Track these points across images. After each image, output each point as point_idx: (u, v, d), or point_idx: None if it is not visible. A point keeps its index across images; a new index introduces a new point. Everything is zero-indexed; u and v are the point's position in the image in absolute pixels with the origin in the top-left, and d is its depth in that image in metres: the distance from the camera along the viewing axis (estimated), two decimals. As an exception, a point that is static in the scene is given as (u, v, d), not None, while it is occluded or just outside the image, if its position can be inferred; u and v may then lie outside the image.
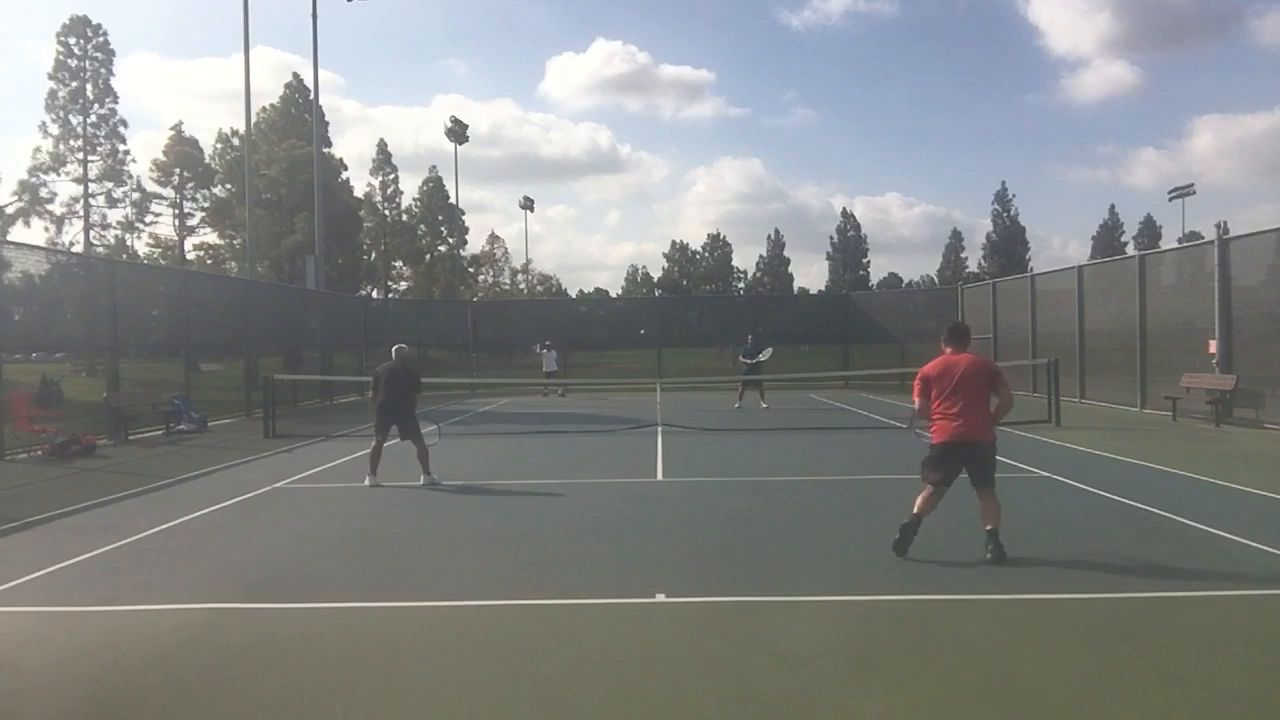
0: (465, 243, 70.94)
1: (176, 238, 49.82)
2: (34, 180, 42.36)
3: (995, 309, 25.98)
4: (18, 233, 41.66)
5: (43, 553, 6.87)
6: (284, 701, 4.02)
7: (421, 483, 9.89)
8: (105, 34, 44.21)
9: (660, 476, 10.63)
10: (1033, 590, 5.62)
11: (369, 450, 10.28)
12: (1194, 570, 6.07)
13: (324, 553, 6.90)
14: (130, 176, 45.28)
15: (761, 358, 20.82)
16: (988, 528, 6.28)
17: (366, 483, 9.90)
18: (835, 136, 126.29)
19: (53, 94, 43.07)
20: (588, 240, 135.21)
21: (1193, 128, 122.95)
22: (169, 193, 48.83)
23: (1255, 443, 12.87)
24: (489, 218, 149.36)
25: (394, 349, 10.59)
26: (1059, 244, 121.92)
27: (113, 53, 44.46)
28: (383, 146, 65.75)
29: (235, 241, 49.53)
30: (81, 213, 43.30)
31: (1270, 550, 6.45)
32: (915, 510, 6.39)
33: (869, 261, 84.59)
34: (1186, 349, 16.35)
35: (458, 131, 59.97)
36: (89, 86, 43.67)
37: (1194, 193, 63.60)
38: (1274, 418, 14.14)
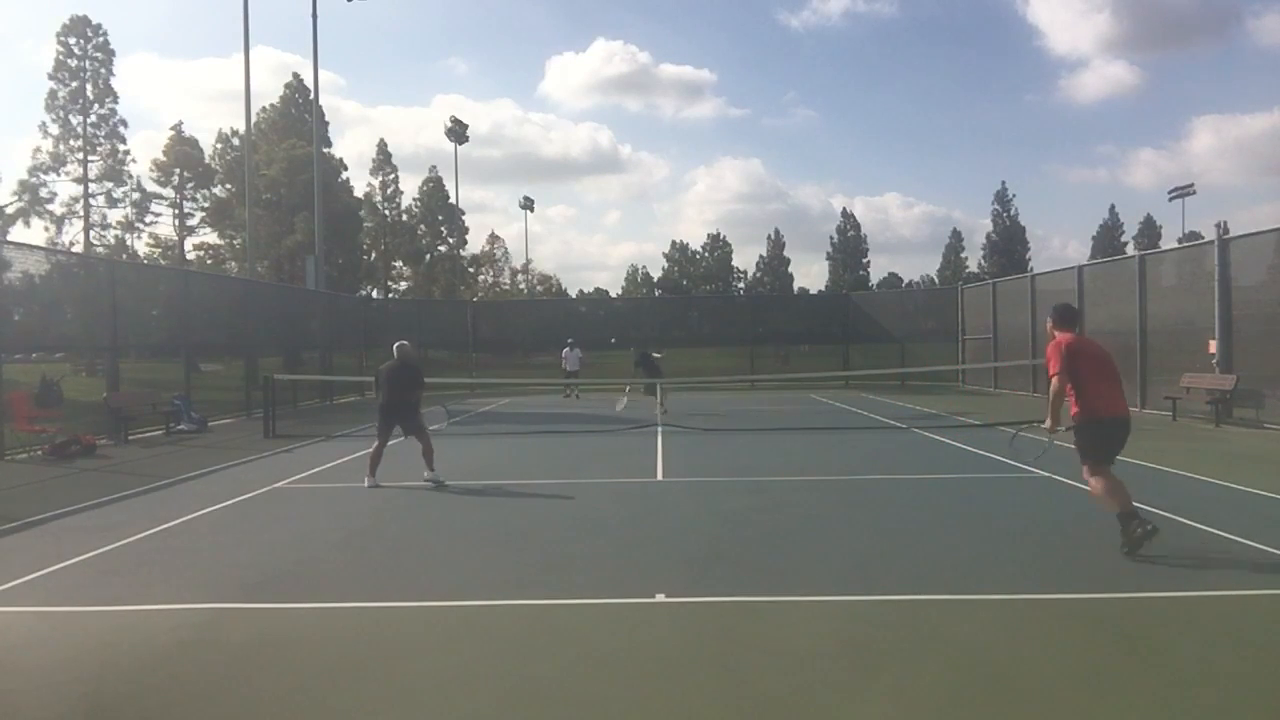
0: (465, 243, 70.98)
1: (176, 238, 49.86)
2: (34, 180, 42.40)
3: (995, 309, 25.98)
4: (18, 233, 41.72)
5: (43, 553, 6.87)
6: (284, 701, 4.02)
7: (425, 478, 9.87)
8: (105, 34, 44.24)
9: (660, 476, 10.63)
10: (1033, 590, 5.61)
11: (370, 451, 10.24)
12: (1194, 570, 6.07)
13: (324, 553, 6.90)
14: (130, 176, 45.34)
15: (656, 355, 21.19)
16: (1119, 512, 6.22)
17: (365, 484, 9.88)
18: (835, 136, 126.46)
19: (53, 94, 43.10)
20: (588, 240, 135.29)
21: (1192, 128, 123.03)
22: (169, 193, 48.88)
23: (1255, 443, 12.87)
24: (489, 218, 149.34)
25: (395, 346, 10.43)
26: (1059, 244, 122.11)
27: (113, 53, 44.50)
28: (383, 146, 65.77)
29: (235, 241, 49.54)
30: (81, 213, 43.33)
31: (1270, 550, 6.45)
32: (1117, 503, 6.26)
33: (869, 261, 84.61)
34: (1186, 349, 16.35)
35: (458, 131, 59.97)
36: (89, 86, 43.67)
37: (1194, 193, 63.73)
38: (1274, 418, 14.14)
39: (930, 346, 29.61)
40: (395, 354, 10.34)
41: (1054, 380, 6.37)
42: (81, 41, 43.68)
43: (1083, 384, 6.37)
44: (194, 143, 50.26)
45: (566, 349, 26.16)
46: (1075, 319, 6.79)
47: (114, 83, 44.55)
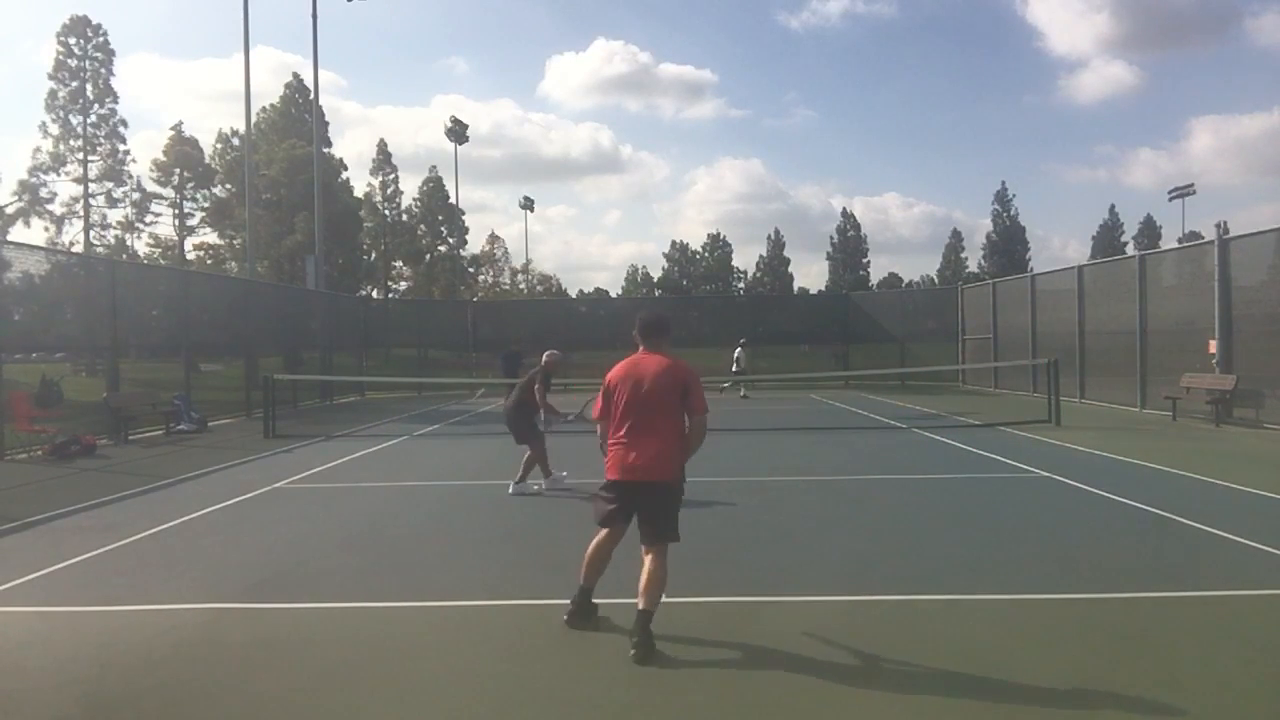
0: (465, 243, 71.04)
1: (176, 238, 49.88)
2: (34, 180, 42.47)
3: (995, 309, 25.99)
4: (18, 233, 41.77)
5: (43, 553, 6.87)
6: (284, 701, 4.02)
7: (510, 490, 9.25)
8: (105, 34, 44.34)
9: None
10: (1033, 590, 5.61)
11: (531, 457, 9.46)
12: (1194, 570, 6.07)
13: (324, 553, 6.90)
14: (130, 176, 45.43)
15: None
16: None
17: (540, 486, 9.29)
18: (835, 136, 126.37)
19: (53, 94, 43.14)
20: (588, 240, 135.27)
21: (1191, 128, 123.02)
22: (169, 193, 48.90)
23: (1255, 443, 12.87)
24: (489, 218, 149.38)
25: (545, 355, 9.84)
26: (1059, 244, 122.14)
27: (113, 53, 44.61)
28: (383, 146, 65.87)
29: (235, 241, 49.55)
30: (81, 213, 43.39)
31: (1270, 550, 6.44)
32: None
33: (869, 261, 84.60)
34: (1186, 349, 16.35)
35: (458, 131, 59.92)
36: (89, 86, 43.71)
37: (1194, 193, 63.64)
38: (1274, 418, 14.14)
39: (930, 346, 29.62)
40: (543, 361, 9.78)
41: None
42: (81, 41, 43.72)
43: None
44: (194, 143, 50.32)
45: (739, 349, 25.13)
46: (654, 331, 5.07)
47: (114, 83, 44.75)
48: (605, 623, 5.05)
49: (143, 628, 5.07)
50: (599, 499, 4.95)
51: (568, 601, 5.02)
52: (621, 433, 4.78)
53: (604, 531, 4.94)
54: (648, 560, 4.74)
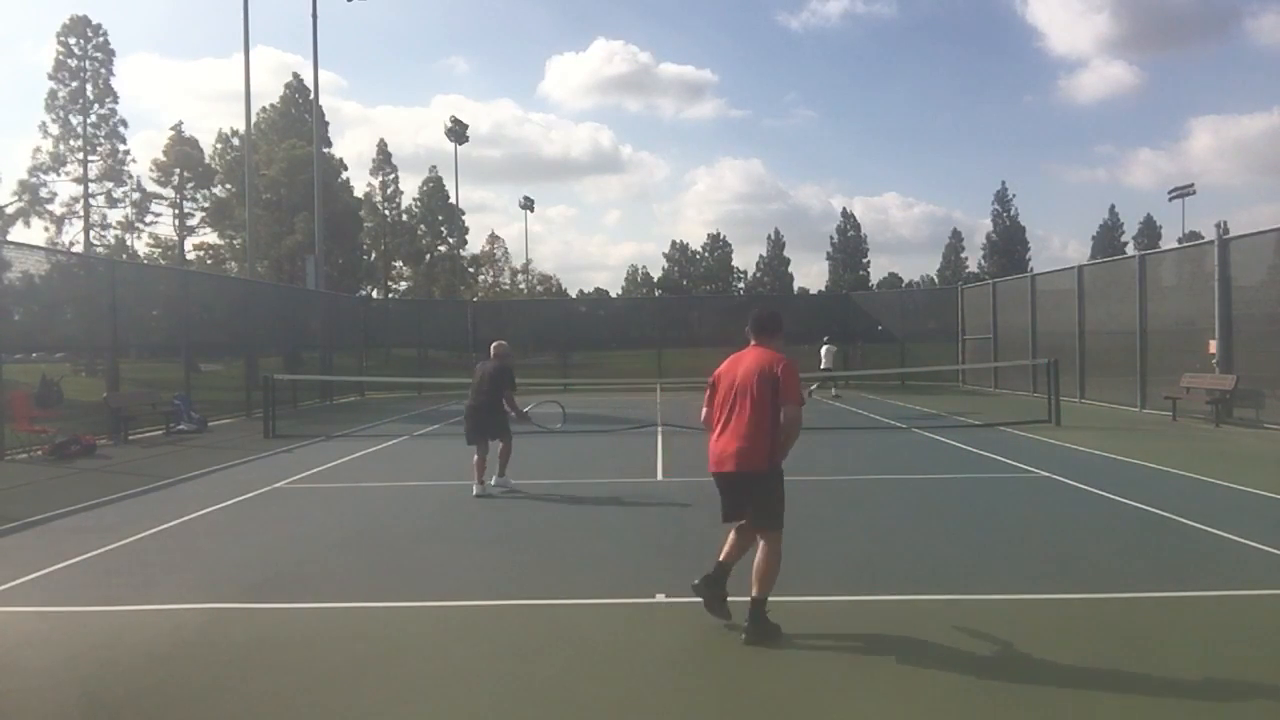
0: (465, 243, 71.03)
1: (176, 238, 49.88)
2: (34, 180, 42.44)
3: (995, 309, 25.98)
4: (18, 233, 41.74)
5: (42, 553, 6.87)
6: (284, 701, 4.02)
7: (493, 483, 9.36)
8: (105, 34, 44.31)
9: (660, 477, 10.63)
10: (1033, 590, 5.61)
11: (474, 462, 9.37)
12: (1194, 570, 6.07)
13: (324, 553, 6.90)
14: (130, 176, 45.40)
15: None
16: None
17: (474, 491, 9.18)
18: (835, 136, 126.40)
19: (53, 94, 43.13)
20: (588, 240, 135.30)
21: (1190, 128, 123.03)
22: (169, 193, 48.91)
23: (1255, 443, 12.87)
24: (489, 218, 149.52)
25: (493, 345, 9.91)
26: (1059, 244, 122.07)
27: (113, 53, 44.58)
28: (383, 146, 65.84)
29: (235, 241, 49.55)
30: (81, 213, 43.37)
31: (1270, 550, 6.44)
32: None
33: (869, 261, 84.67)
34: (1186, 349, 16.34)
35: (458, 131, 59.96)
36: (89, 86, 43.70)
37: (1194, 193, 63.66)
38: (1274, 418, 14.14)
39: (930, 346, 29.61)
40: (492, 353, 9.80)
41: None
42: (81, 41, 43.70)
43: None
44: (194, 143, 50.32)
45: (825, 346, 24.41)
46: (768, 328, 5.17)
47: (114, 83, 44.70)
48: (603, 623, 5.05)
49: (143, 628, 5.07)
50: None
51: (568, 601, 5.02)
52: (718, 425, 4.95)
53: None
54: (758, 548, 4.86)
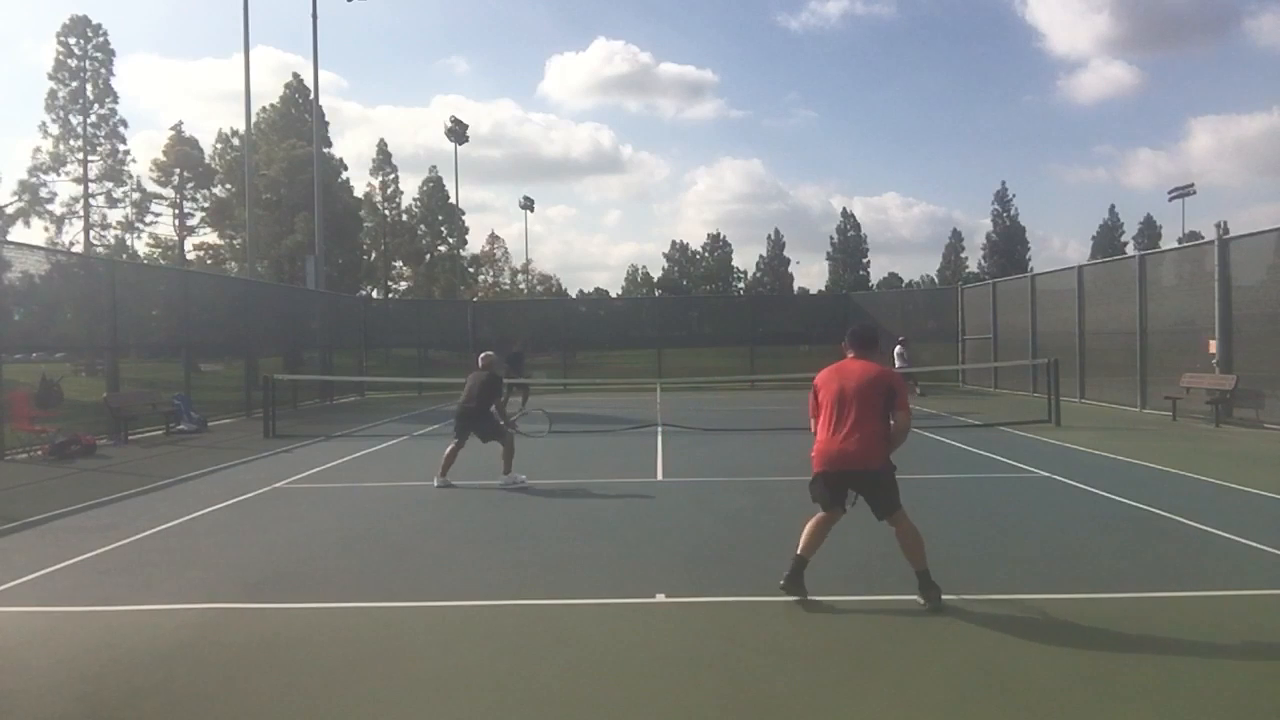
0: (465, 243, 71.06)
1: (176, 238, 49.93)
2: (34, 180, 42.48)
3: (995, 309, 25.97)
4: (18, 233, 41.78)
5: (43, 553, 6.87)
6: (284, 701, 4.02)
7: (499, 483, 9.74)
8: (105, 34, 44.36)
9: (660, 476, 10.63)
10: (1033, 590, 5.61)
11: (446, 451, 10.11)
12: (1194, 570, 6.07)
13: (324, 553, 6.89)
14: (130, 176, 45.44)
15: None
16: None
17: (435, 483, 9.79)
18: (835, 137, 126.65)
19: (53, 94, 43.15)
20: (588, 240, 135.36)
21: (1190, 128, 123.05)
22: (169, 193, 48.98)
23: (1255, 443, 12.87)
24: (489, 218, 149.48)
25: (481, 357, 10.65)
26: (1059, 244, 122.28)
27: (113, 53, 44.63)
28: (383, 146, 65.87)
29: (235, 241, 49.57)
30: (81, 213, 43.42)
31: (1270, 550, 6.44)
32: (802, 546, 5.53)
33: (869, 261, 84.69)
34: (1186, 349, 16.35)
35: (458, 131, 59.88)
36: (89, 86, 43.73)
37: (1194, 193, 63.72)
38: (1274, 418, 14.14)
39: (930, 346, 29.61)
40: (480, 364, 10.49)
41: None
42: (81, 41, 43.73)
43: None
44: (194, 143, 50.36)
45: (899, 345, 23.52)
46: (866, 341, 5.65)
47: (114, 83, 44.77)
48: (603, 623, 5.05)
49: (143, 627, 5.07)
50: (813, 485, 5.56)
51: (568, 601, 5.02)
52: (829, 428, 5.40)
53: (823, 514, 5.52)
54: (895, 532, 5.36)
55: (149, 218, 47.48)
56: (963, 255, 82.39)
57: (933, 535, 7.22)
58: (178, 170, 48.74)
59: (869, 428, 5.28)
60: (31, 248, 15.65)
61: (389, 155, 65.54)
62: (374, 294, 59.04)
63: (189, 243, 50.81)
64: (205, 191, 50.47)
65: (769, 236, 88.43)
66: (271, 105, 52.73)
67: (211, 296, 21.56)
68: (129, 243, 47.00)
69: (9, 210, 42.10)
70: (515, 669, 4.36)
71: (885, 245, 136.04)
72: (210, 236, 51.92)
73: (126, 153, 45.06)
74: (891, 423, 5.35)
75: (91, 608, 5.49)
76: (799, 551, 5.42)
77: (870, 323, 5.25)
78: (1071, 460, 11.26)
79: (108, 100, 44.23)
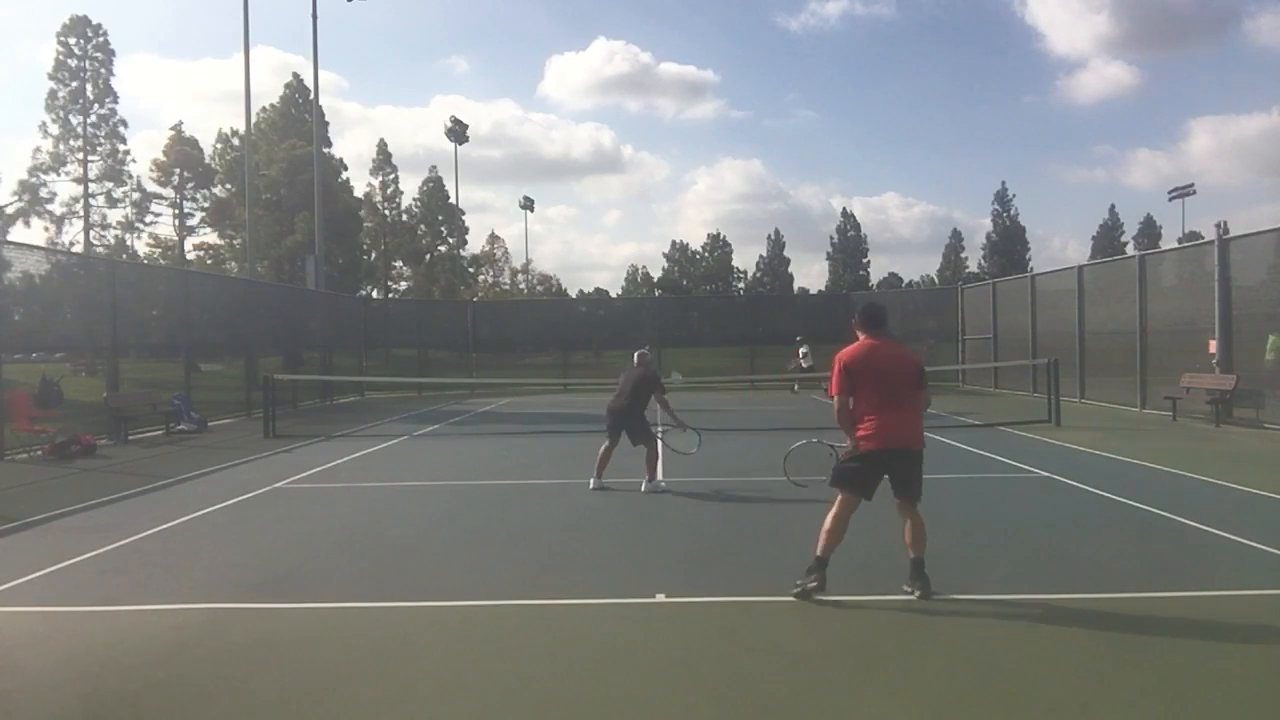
0: (465, 243, 71.10)
1: (176, 238, 49.89)
2: (34, 180, 42.44)
3: (995, 309, 25.97)
4: (18, 233, 41.74)
5: (43, 553, 6.87)
6: (284, 701, 4.02)
7: (643, 489, 9.33)
8: (105, 34, 44.31)
9: (660, 476, 10.61)
10: (1033, 590, 5.61)
11: (600, 452, 9.69)
12: (1194, 570, 6.07)
13: (324, 553, 6.89)
14: (130, 176, 45.39)
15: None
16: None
17: (590, 484, 9.44)
18: (835, 137, 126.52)
19: (53, 94, 43.13)
20: (588, 240, 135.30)
21: (1190, 128, 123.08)
22: (169, 193, 48.93)
23: (1255, 443, 12.87)
24: (489, 218, 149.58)
25: (637, 354, 10.25)
26: (1059, 244, 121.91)
27: (113, 53, 44.58)
28: (383, 147, 65.82)
29: (235, 241, 49.58)
30: (81, 213, 43.36)
31: (1270, 550, 6.44)
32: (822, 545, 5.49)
33: (869, 261, 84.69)
34: (1186, 349, 16.34)
35: (458, 131, 59.96)
36: (89, 86, 43.69)
37: (1194, 193, 63.67)
38: (1274, 418, 14.13)
39: (930, 346, 29.61)
40: (636, 361, 10.07)
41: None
42: (81, 41, 43.70)
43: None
44: (194, 143, 50.33)
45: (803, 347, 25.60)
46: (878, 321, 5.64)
47: (114, 83, 44.69)
48: (603, 623, 5.05)
49: (143, 627, 5.07)
50: (847, 469, 5.50)
51: (568, 601, 5.02)
52: (877, 409, 5.39)
53: (842, 502, 5.47)
54: (907, 519, 5.48)
55: (149, 218, 47.49)
56: (963, 255, 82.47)
57: (933, 535, 7.21)
58: (178, 170, 48.70)
59: (914, 409, 5.51)
60: (31, 248, 15.66)
61: (389, 155, 65.59)
62: (374, 294, 59.07)
63: (189, 243, 50.85)
64: (205, 191, 50.44)
65: (769, 236, 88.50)
66: (271, 105, 52.83)
67: (211, 296, 21.56)
68: (129, 243, 47.03)
69: (9, 210, 42.14)
70: (515, 669, 4.36)
71: (885, 245, 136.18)
72: (210, 236, 52.00)
73: (126, 153, 45.08)
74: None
75: (91, 608, 5.49)
76: (819, 554, 5.39)
77: (879, 301, 5.40)
78: (1071, 460, 11.26)
79: (108, 100, 44.23)
